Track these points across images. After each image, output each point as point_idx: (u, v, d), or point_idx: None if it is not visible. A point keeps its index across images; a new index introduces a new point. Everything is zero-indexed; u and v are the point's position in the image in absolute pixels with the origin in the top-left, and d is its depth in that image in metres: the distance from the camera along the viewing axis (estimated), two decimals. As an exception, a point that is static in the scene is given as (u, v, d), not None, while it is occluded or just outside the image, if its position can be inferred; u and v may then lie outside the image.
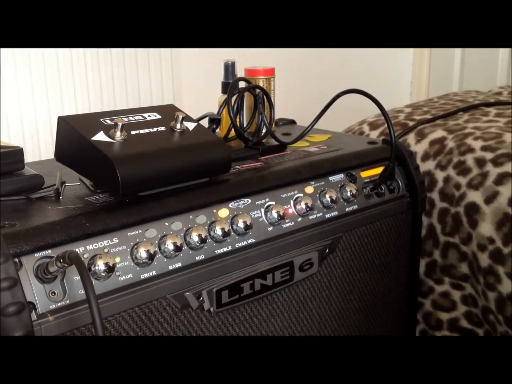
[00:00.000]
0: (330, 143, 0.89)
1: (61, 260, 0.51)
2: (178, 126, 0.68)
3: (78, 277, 0.54)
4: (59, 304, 0.54)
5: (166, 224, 0.62)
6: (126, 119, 0.67)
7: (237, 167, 0.75)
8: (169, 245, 0.60)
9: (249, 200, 0.69)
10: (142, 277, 0.59)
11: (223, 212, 0.66)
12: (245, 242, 0.68)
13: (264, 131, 0.84)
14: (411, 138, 1.05)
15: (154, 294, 0.60)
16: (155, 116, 0.70)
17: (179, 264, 0.62)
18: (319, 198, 0.76)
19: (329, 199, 0.76)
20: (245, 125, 0.86)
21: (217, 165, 0.68)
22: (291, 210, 0.73)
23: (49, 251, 0.54)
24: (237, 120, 0.81)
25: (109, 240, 0.58)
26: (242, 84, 0.86)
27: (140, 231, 0.60)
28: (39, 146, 1.48)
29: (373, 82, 2.12)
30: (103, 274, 0.55)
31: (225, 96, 0.82)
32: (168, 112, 0.71)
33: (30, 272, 0.53)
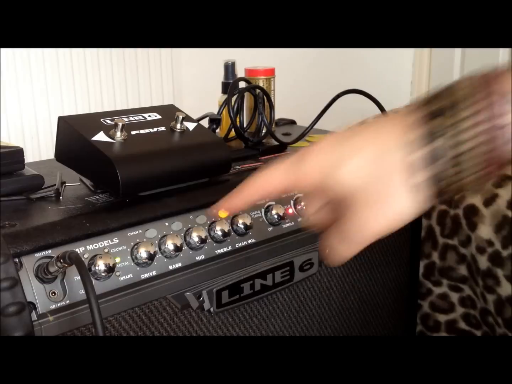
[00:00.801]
0: (330, 143, 0.89)
1: (61, 260, 0.51)
2: (178, 126, 0.68)
3: (78, 277, 0.54)
4: (59, 304, 0.54)
5: (166, 224, 0.62)
6: (126, 119, 0.67)
7: (237, 167, 0.75)
8: (169, 245, 0.60)
9: (249, 200, 0.69)
10: (142, 277, 0.59)
11: (223, 212, 0.66)
12: (245, 242, 0.68)
13: (264, 131, 0.84)
14: (411, 138, 1.05)
15: (154, 294, 0.60)
16: (155, 116, 0.70)
17: (179, 264, 0.62)
18: (319, 198, 0.76)
19: (329, 199, 0.76)
20: (245, 125, 0.86)
21: (217, 165, 0.69)
22: (291, 210, 0.73)
23: (49, 251, 0.54)
24: (237, 120, 0.81)
25: (109, 240, 0.58)
26: (242, 84, 0.86)
27: (140, 231, 0.60)
28: (39, 146, 1.48)
29: (373, 82, 2.12)
30: (103, 274, 0.55)
31: (225, 96, 0.82)
32: (168, 112, 0.71)
33: (30, 272, 0.53)
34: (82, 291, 0.55)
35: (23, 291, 0.50)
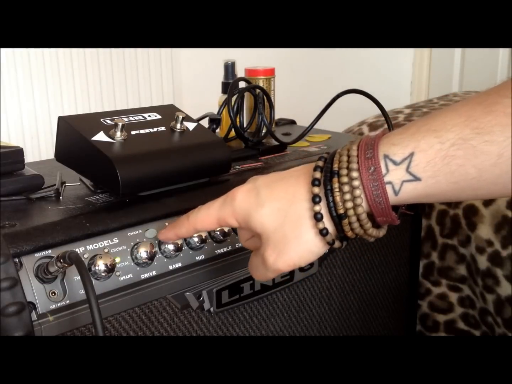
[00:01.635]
0: (330, 143, 0.89)
1: (61, 260, 0.51)
2: (178, 126, 0.68)
3: (78, 277, 0.54)
4: (59, 304, 0.54)
5: (166, 224, 0.62)
6: (126, 119, 0.67)
7: (237, 167, 0.75)
8: (169, 245, 0.60)
9: (249, 200, 0.69)
10: (142, 277, 0.59)
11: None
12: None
13: (264, 131, 0.84)
14: (411, 138, 1.05)
15: (154, 294, 0.60)
16: (155, 116, 0.70)
17: (179, 264, 0.62)
18: (319, 198, 0.76)
19: (329, 199, 0.76)
20: (245, 125, 0.86)
21: (217, 165, 0.69)
22: (291, 210, 0.73)
23: (49, 251, 0.54)
24: (237, 120, 0.81)
25: (109, 240, 0.58)
26: (242, 84, 0.86)
27: (140, 231, 0.60)
28: (39, 146, 1.48)
29: (373, 82, 2.12)
30: (103, 274, 0.55)
31: (225, 96, 0.82)
32: (168, 112, 0.71)
33: (30, 272, 0.53)
34: (82, 291, 0.55)
35: (23, 291, 0.50)
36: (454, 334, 0.99)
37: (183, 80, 1.75)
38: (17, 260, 0.52)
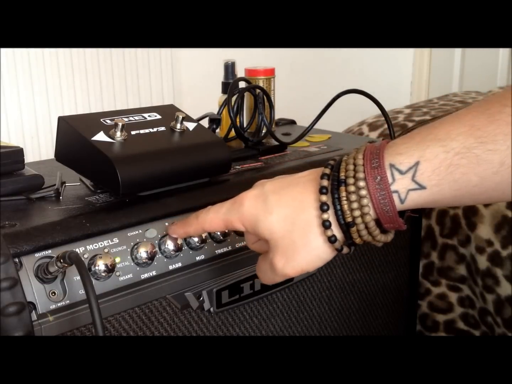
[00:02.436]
0: (330, 143, 0.89)
1: (61, 260, 0.51)
2: (178, 126, 0.68)
3: (78, 277, 0.54)
4: (59, 304, 0.54)
5: (166, 224, 0.62)
6: (126, 119, 0.67)
7: (237, 167, 0.75)
8: (169, 245, 0.60)
9: (249, 200, 0.69)
10: (142, 277, 0.59)
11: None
12: (245, 242, 0.68)
13: (264, 131, 0.84)
14: (411, 138, 1.05)
15: (154, 294, 0.60)
16: (155, 116, 0.70)
17: (179, 264, 0.62)
18: (319, 198, 0.76)
19: (329, 199, 0.76)
20: (245, 125, 0.86)
21: (217, 165, 0.69)
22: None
23: (49, 251, 0.54)
24: (237, 120, 0.81)
25: (109, 240, 0.58)
26: (242, 84, 0.86)
27: (140, 231, 0.60)
28: (39, 146, 1.48)
29: (373, 82, 2.12)
30: (103, 274, 0.55)
31: (225, 96, 0.82)
32: (168, 112, 0.71)
33: (30, 272, 0.53)
34: (82, 291, 0.55)
35: (23, 291, 0.50)
36: (454, 334, 0.99)
37: (183, 80, 1.75)
38: (17, 260, 0.52)
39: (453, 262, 0.96)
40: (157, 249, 0.60)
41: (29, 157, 1.42)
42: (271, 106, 0.86)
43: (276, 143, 0.84)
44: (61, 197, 0.63)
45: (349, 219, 0.46)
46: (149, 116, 0.70)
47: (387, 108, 0.86)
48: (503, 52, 2.42)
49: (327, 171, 0.48)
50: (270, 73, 0.89)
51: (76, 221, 0.56)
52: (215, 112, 0.83)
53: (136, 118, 0.69)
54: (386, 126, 1.04)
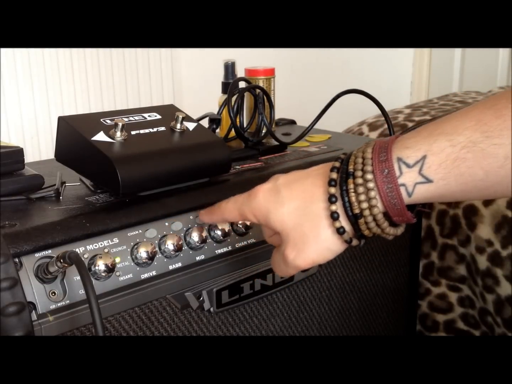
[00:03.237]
0: (330, 143, 0.89)
1: (61, 260, 0.51)
2: (178, 126, 0.68)
3: (78, 277, 0.54)
4: (59, 304, 0.54)
5: (166, 224, 0.62)
6: (126, 119, 0.67)
7: (237, 167, 0.75)
8: (169, 245, 0.60)
9: (249, 200, 0.69)
10: (142, 277, 0.59)
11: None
12: (245, 242, 0.68)
13: (264, 131, 0.84)
14: (411, 138, 1.05)
15: (154, 294, 0.60)
16: (155, 116, 0.70)
17: (179, 264, 0.62)
18: (319, 198, 0.76)
19: (329, 199, 0.76)
20: (245, 125, 0.86)
21: (217, 165, 0.69)
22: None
23: (49, 251, 0.54)
24: (237, 120, 0.81)
25: (109, 240, 0.58)
26: (242, 84, 0.86)
27: (140, 231, 0.60)
28: (39, 146, 1.48)
29: (373, 82, 2.12)
30: (103, 274, 0.55)
31: (225, 96, 0.82)
32: (168, 112, 0.71)
33: (30, 272, 0.53)
34: (82, 291, 0.55)
35: (23, 291, 0.50)
36: (454, 334, 0.99)
37: (183, 80, 1.75)
38: (17, 260, 0.52)
39: (453, 262, 0.96)
40: (157, 249, 0.60)
41: (29, 157, 1.42)
42: (271, 106, 0.86)
43: (276, 143, 0.84)
44: (61, 197, 0.63)
45: (357, 211, 0.47)
46: (149, 116, 0.70)
47: (387, 108, 0.86)
48: (503, 52, 2.42)
49: (337, 164, 0.50)
50: (270, 73, 0.89)
51: (76, 221, 0.56)
52: (215, 112, 0.83)
53: (136, 118, 0.69)
54: (386, 126, 1.04)
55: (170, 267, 0.62)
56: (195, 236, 0.62)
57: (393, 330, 0.91)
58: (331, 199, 0.48)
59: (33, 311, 0.52)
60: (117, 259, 0.58)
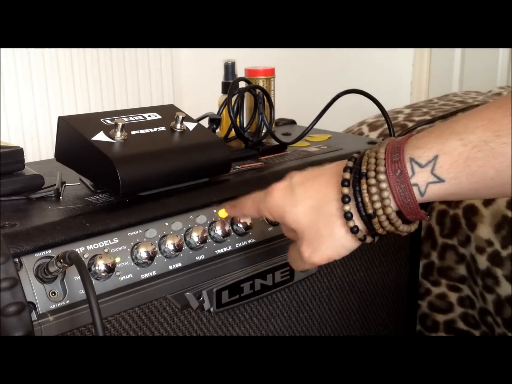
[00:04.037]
0: (330, 143, 0.89)
1: (61, 260, 0.51)
2: (178, 126, 0.68)
3: (78, 277, 0.54)
4: (59, 304, 0.54)
5: (166, 224, 0.62)
6: (126, 119, 0.67)
7: (237, 167, 0.75)
8: (169, 245, 0.60)
9: (249, 200, 0.69)
10: (142, 277, 0.59)
11: (223, 212, 0.66)
12: (245, 242, 0.68)
13: (264, 131, 0.84)
14: (411, 138, 1.05)
15: (154, 294, 0.60)
16: (155, 116, 0.70)
17: (179, 264, 0.62)
18: (319, 198, 0.76)
19: (329, 199, 0.76)
20: (245, 125, 0.86)
21: (217, 165, 0.69)
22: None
23: (49, 251, 0.54)
24: (237, 120, 0.81)
25: (109, 240, 0.58)
26: (242, 84, 0.86)
27: (140, 231, 0.60)
28: (39, 146, 1.48)
29: (373, 82, 2.12)
30: (103, 274, 0.55)
31: (225, 96, 0.82)
32: (168, 112, 0.71)
33: (30, 272, 0.53)
34: (82, 291, 0.55)
35: (23, 291, 0.50)
36: (454, 334, 0.99)
37: (183, 80, 1.75)
38: (17, 260, 0.52)
39: (453, 262, 0.96)
40: (157, 249, 0.60)
41: (29, 157, 1.42)
42: (271, 106, 0.86)
43: (276, 143, 0.84)
44: (61, 197, 0.63)
45: (370, 211, 0.47)
46: (149, 116, 0.70)
47: (387, 108, 0.86)
48: (503, 52, 2.42)
49: (350, 164, 0.50)
50: (270, 73, 0.89)
51: (76, 221, 0.56)
52: (215, 112, 0.83)
53: (136, 118, 0.69)
54: (386, 126, 1.04)
55: (170, 267, 0.62)
56: (195, 236, 0.62)
57: (393, 330, 0.91)
58: (344, 199, 0.48)
59: (33, 311, 0.52)
60: (117, 259, 0.58)
